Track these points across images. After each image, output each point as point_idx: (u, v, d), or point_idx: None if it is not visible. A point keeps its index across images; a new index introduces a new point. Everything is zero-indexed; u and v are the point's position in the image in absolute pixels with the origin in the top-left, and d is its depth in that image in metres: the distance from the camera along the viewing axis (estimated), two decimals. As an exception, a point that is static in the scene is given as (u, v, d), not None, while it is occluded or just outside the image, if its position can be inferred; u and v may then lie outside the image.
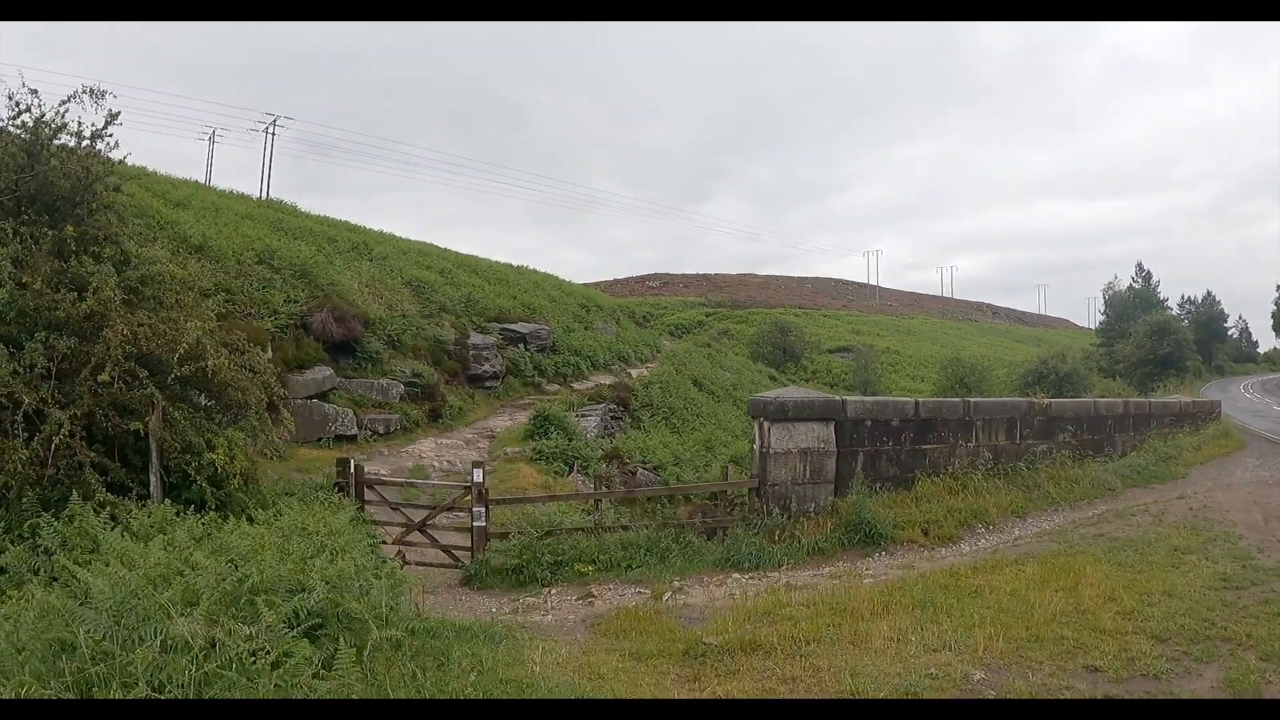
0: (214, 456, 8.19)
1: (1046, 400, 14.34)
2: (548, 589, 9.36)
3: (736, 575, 9.04)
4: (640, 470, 19.73)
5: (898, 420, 11.63)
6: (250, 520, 7.00)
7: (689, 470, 20.13)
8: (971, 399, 12.91)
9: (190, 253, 18.60)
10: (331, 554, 5.94)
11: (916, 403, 12.09)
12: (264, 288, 19.72)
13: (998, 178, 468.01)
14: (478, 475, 10.52)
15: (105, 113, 10.27)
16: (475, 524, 10.48)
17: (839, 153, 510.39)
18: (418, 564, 10.75)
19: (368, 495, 11.10)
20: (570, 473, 17.65)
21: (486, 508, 10.56)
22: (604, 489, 17.23)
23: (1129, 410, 16.76)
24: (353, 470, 10.94)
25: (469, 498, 10.64)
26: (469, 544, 10.57)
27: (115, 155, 10.72)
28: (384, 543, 10.62)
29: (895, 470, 11.54)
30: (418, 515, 10.96)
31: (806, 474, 10.57)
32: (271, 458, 15.70)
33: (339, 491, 10.78)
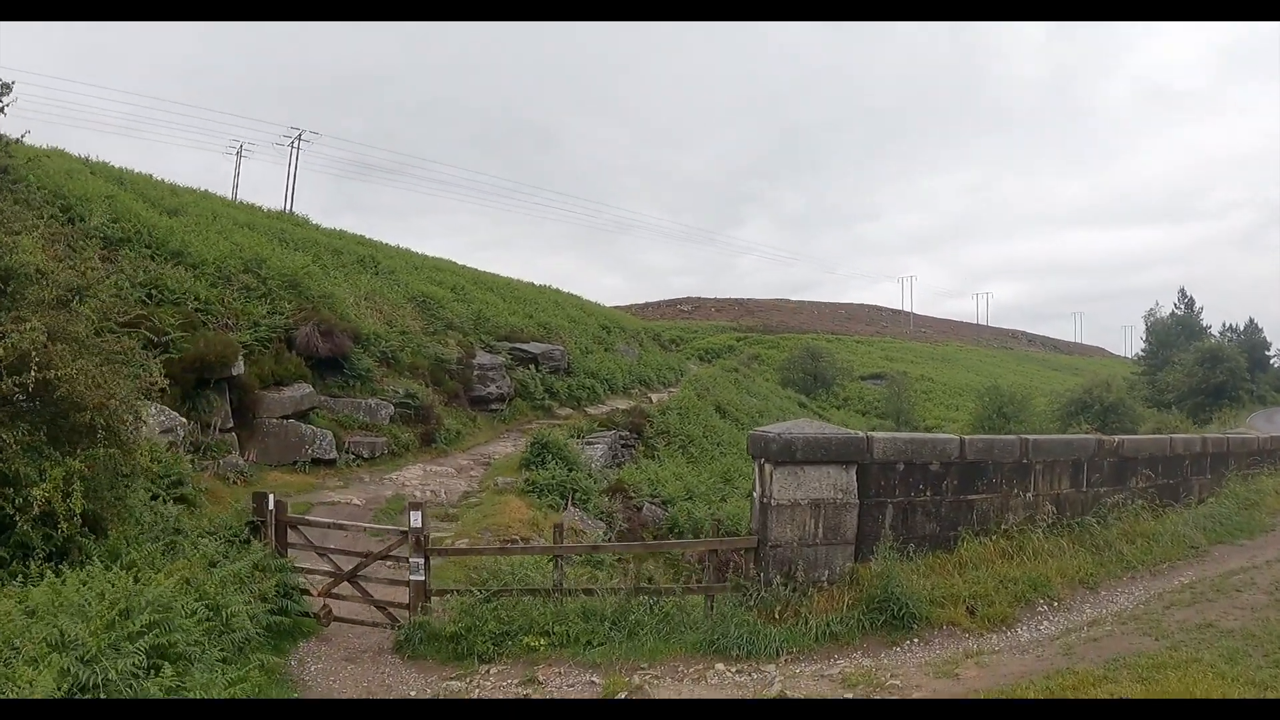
0: (37, 492, 6.29)
1: (1118, 438, 12.03)
2: (487, 666, 7.46)
3: (720, 665, 6.92)
4: (647, 505, 17.85)
5: (938, 463, 9.27)
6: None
7: (702, 506, 18.23)
8: (1030, 437, 10.55)
9: (167, 258, 17.19)
10: (86, 653, 4.04)
11: (962, 441, 9.68)
12: (247, 298, 18.13)
13: (1028, 206, 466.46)
14: (415, 519, 8.58)
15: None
16: (413, 578, 8.56)
17: (870, 180, 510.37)
18: (349, 620, 8.93)
19: (293, 537, 9.25)
20: (566, 507, 15.79)
21: (426, 559, 8.62)
22: (608, 535, 15.68)
23: (1206, 448, 14.34)
24: (272, 508, 9.06)
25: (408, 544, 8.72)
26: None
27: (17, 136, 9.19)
28: (307, 593, 8.88)
29: (934, 527, 9.19)
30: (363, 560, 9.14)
31: (819, 532, 8.26)
32: (233, 482, 14.23)
33: (251, 532, 9.00)
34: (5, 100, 8.79)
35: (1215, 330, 62.29)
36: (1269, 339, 63.16)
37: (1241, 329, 63.51)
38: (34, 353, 6.34)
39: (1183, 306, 63.18)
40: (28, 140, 12.48)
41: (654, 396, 31.34)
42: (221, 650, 5.87)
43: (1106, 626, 7.65)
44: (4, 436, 6.49)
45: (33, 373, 6.27)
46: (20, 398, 6.46)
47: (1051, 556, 9.44)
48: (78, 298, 7.95)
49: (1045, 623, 8.12)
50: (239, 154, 48.11)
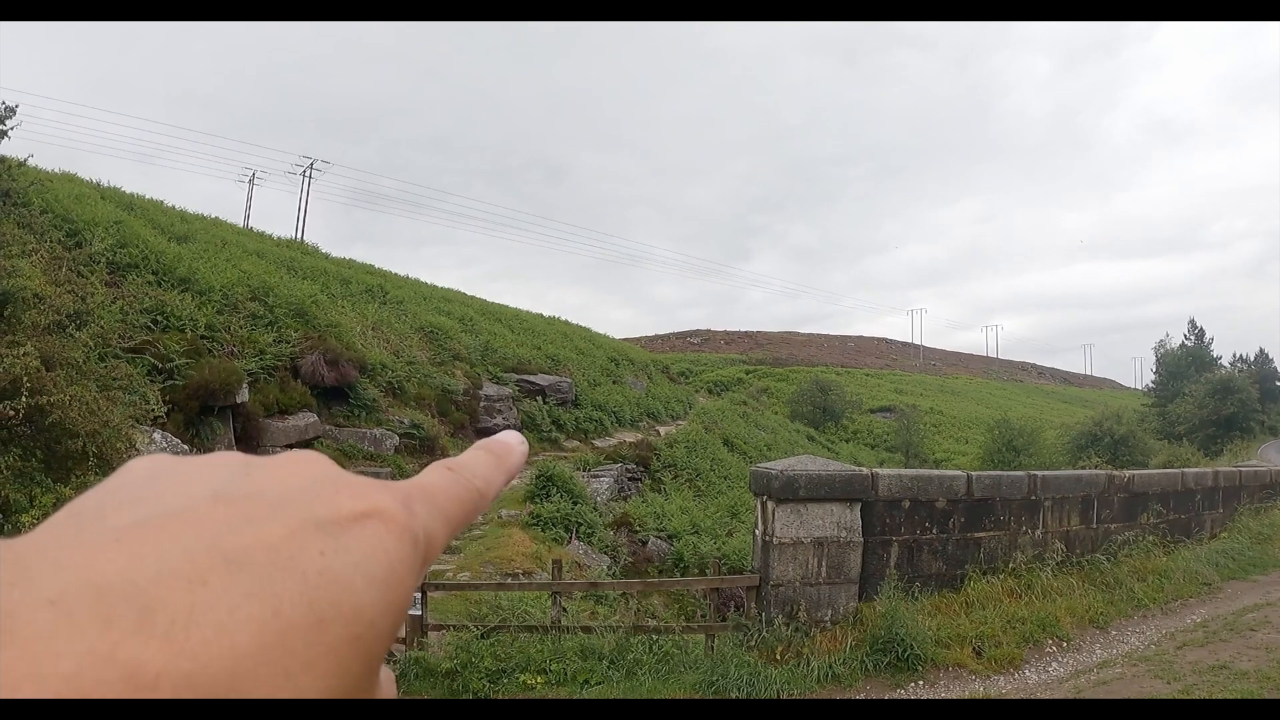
0: (26, 519, 6.22)
1: (1128, 473, 11.85)
2: (484, 705, 7.27)
3: (720, 707, 6.80)
4: (652, 539, 17.64)
5: (944, 500, 9.10)
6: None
7: (708, 540, 17.98)
8: (1038, 473, 10.37)
9: (174, 285, 17.23)
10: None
11: (969, 477, 9.53)
12: (253, 326, 18.15)
13: (1034, 239, 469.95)
14: (412, 553, 8.46)
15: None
16: (409, 612, 8.42)
17: (877, 214, 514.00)
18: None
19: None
20: (570, 541, 15.65)
21: (423, 593, 8.50)
22: (613, 569, 15.57)
23: (1218, 482, 14.13)
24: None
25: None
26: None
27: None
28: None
29: (940, 565, 9.00)
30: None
31: (822, 571, 8.08)
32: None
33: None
34: (9, 124, 8.81)
35: (1225, 361, 62.12)
36: (1279, 369, 62.93)
37: (1252, 359, 63.27)
38: (26, 378, 6.30)
39: (1193, 338, 62.94)
40: (38, 164, 12.51)
41: (662, 429, 31.14)
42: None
43: (1117, 668, 7.46)
44: (-2, 463, 6.43)
45: (24, 398, 6.21)
46: (14, 423, 6.40)
47: (1060, 595, 9.26)
48: (76, 323, 7.90)
49: (1054, 664, 7.92)
50: (251, 182, 48.30)
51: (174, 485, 0.33)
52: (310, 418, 17.18)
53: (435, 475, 0.42)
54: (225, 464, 0.36)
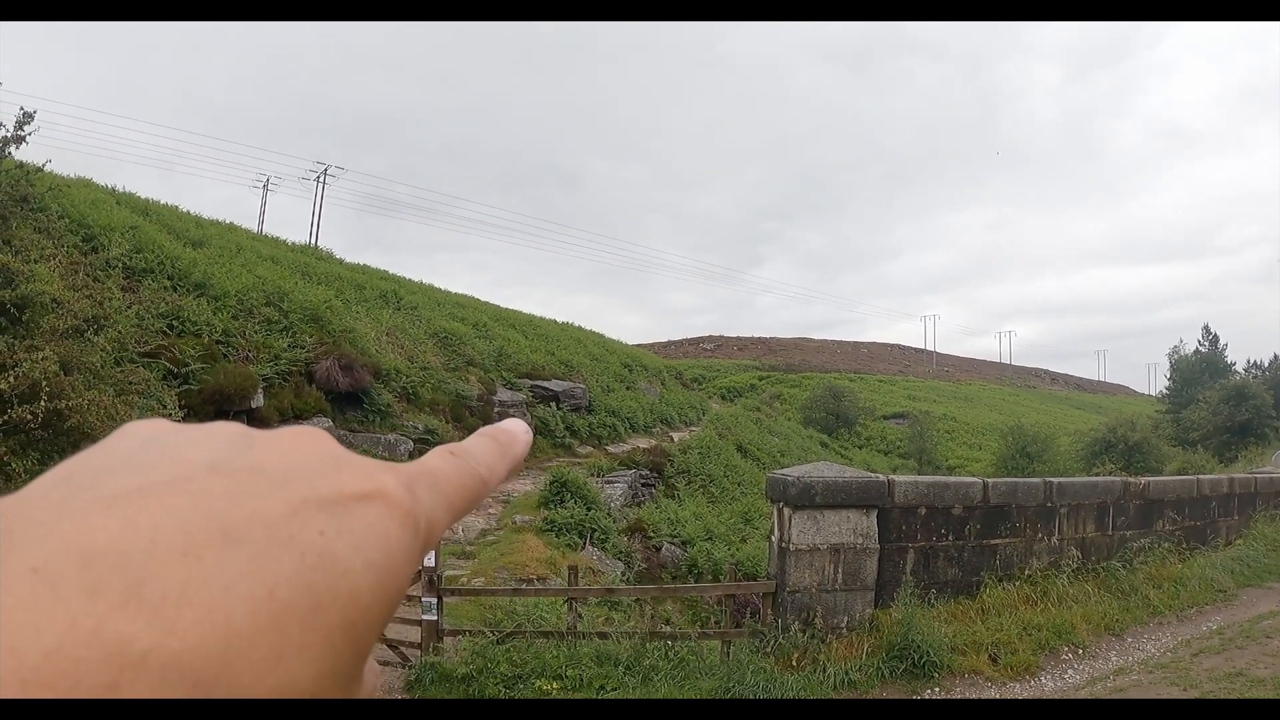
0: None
1: (1144, 480, 11.80)
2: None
3: (736, 714, 6.80)
4: (666, 545, 17.65)
5: (960, 507, 9.08)
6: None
7: (722, 546, 17.99)
8: (1055, 480, 10.33)
9: (189, 290, 17.35)
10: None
11: (985, 484, 9.50)
12: (268, 331, 18.25)
13: (1047, 244, 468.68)
14: (428, 558, 8.49)
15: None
16: (424, 617, 8.47)
17: (889, 220, 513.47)
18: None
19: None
20: (584, 546, 15.66)
21: (439, 598, 8.52)
22: (627, 575, 15.60)
23: (1234, 489, 14.02)
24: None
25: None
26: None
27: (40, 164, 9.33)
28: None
29: (956, 572, 8.99)
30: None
31: (838, 578, 8.07)
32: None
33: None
34: (27, 129, 8.92)
35: (1240, 367, 61.35)
36: (1293, 376, 62.24)
37: (1266, 365, 62.75)
38: (45, 382, 6.36)
39: (1207, 344, 62.24)
40: (55, 169, 12.63)
41: (675, 435, 31.12)
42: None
43: (1133, 675, 7.43)
44: (14, 465, 6.49)
45: (42, 402, 6.28)
46: (32, 426, 6.46)
47: (1076, 602, 9.23)
48: (93, 328, 7.98)
49: (1070, 671, 7.90)
50: (265, 188, 48.49)
51: (172, 453, 0.33)
52: (325, 422, 17.23)
53: (439, 460, 0.41)
54: (225, 434, 0.36)
